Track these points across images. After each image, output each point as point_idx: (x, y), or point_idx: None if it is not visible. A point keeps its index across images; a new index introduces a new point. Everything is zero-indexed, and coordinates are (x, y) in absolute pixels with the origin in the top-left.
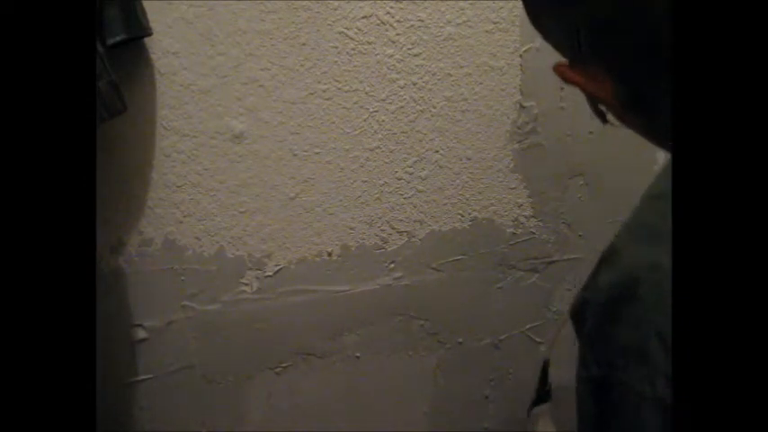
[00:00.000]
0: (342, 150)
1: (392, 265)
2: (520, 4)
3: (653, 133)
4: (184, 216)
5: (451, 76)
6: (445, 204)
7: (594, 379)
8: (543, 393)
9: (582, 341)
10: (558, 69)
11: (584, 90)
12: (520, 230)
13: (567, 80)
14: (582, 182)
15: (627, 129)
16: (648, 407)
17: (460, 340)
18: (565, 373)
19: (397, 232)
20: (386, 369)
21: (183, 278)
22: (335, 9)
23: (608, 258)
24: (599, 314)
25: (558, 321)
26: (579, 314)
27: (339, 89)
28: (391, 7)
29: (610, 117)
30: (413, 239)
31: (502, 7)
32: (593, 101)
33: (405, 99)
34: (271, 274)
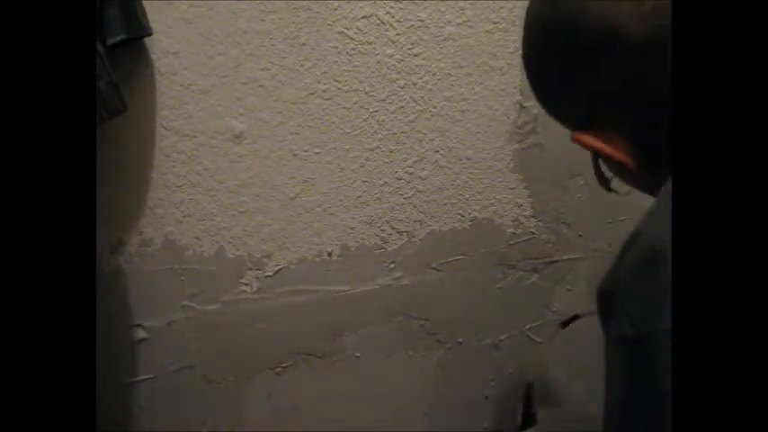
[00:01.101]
0: (342, 150)
1: (392, 265)
2: (520, 4)
3: None
4: (184, 216)
5: (451, 76)
6: (445, 204)
7: (628, 334)
8: (528, 417)
9: (612, 312)
10: (576, 138)
11: (601, 154)
12: (520, 230)
13: (587, 147)
14: (582, 182)
15: (639, 192)
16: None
17: (460, 340)
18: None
19: (397, 232)
20: (386, 369)
21: (182, 278)
22: (335, 9)
23: (631, 241)
24: (630, 282)
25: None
26: (609, 292)
27: (339, 89)
28: (391, 7)
29: (615, 185)
30: (413, 239)
31: (502, 7)
32: (599, 167)
33: (405, 99)
34: (271, 274)
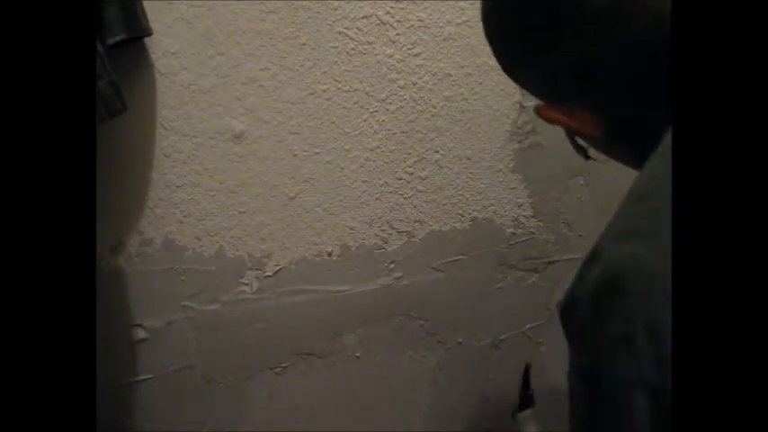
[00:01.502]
0: (342, 150)
1: (392, 265)
2: None
3: (641, 161)
4: (184, 216)
5: (451, 76)
6: (445, 204)
7: (585, 369)
8: (527, 398)
9: (572, 336)
10: (539, 110)
11: (567, 128)
12: (520, 230)
13: (550, 120)
14: (582, 182)
15: (613, 161)
16: (636, 391)
17: (460, 340)
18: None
19: (397, 232)
20: (386, 369)
21: (183, 278)
22: (335, 9)
23: (592, 258)
24: (587, 308)
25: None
26: (568, 312)
27: (339, 89)
28: (391, 7)
29: (592, 152)
30: (413, 239)
31: None
32: (573, 138)
33: (405, 99)
34: (271, 274)
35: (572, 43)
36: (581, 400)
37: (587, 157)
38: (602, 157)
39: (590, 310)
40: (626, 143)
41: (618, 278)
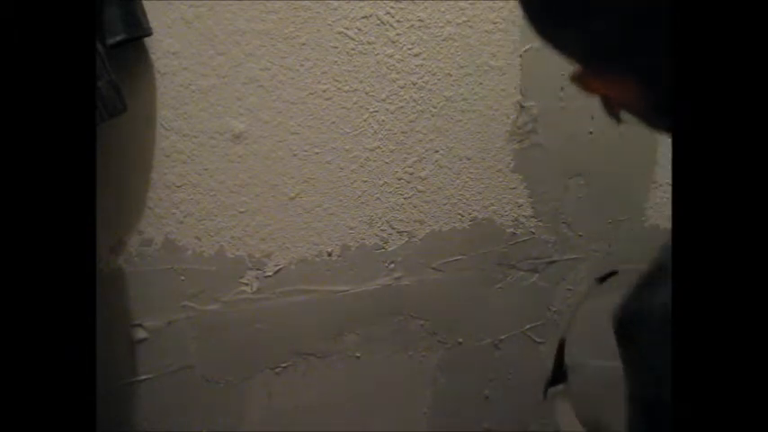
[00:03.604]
0: (342, 150)
1: (392, 265)
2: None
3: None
4: (184, 216)
5: (451, 76)
6: (445, 204)
7: (647, 398)
8: (559, 374)
9: (631, 359)
10: (577, 79)
11: (607, 96)
12: (520, 230)
13: (588, 89)
14: (582, 182)
15: (651, 130)
16: None
17: (460, 340)
18: (581, 354)
19: (397, 232)
20: (386, 369)
21: (182, 278)
22: (335, 9)
23: (658, 275)
24: (655, 333)
25: (572, 307)
26: (628, 329)
27: (339, 89)
28: (391, 7)
29: (624, 116)
30: (413, 239)
31: (502, 7)
32: (610, 104)
33: (405, 99)
34: (271, 274)
35: (612, 9)
36: (640, 424)
37: (620, 121)
38: (633, 119)
39: (657, 335)
40: (665, 113)
41: None
